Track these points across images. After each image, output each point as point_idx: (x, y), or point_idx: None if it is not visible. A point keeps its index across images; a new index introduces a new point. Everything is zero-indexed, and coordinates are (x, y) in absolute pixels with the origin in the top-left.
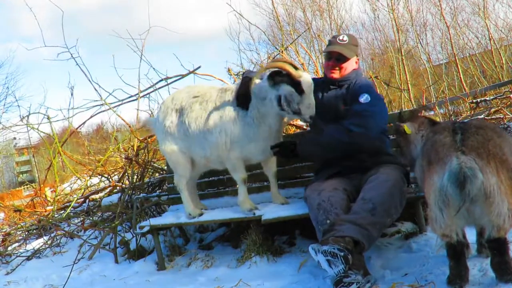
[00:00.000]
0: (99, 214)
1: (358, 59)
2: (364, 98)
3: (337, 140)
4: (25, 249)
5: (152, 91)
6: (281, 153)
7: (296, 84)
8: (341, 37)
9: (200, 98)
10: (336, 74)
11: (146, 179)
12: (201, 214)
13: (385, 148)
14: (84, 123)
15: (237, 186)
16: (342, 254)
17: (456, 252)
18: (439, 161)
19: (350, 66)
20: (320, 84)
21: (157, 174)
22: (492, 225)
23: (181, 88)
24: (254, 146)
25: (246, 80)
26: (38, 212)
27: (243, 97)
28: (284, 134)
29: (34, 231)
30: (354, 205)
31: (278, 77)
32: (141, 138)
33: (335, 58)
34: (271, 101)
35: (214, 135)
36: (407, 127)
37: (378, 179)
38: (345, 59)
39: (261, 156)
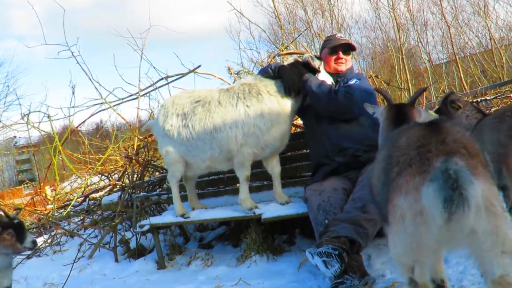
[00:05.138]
0: (99, 213)
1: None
2: (354, 81)
3: (329, 91)
4: None
5: (152, 90)
6: (291, 72)
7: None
8: (338, 35)
9: (201, 101)
10: (343, 67)
11: (146, 178)
12: (184, 215)
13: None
14: (84, 121)
15: (238, 185)
16: (336, 253)
17: None
18: None
19: (350, 60)
20: None
21: (157, 173)
22: None
23: (180, 93)
24: (275, 130)
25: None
26: (38, 211)
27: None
28: None
29: (34, 229)
30: (346, 205)
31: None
32: (141, 137)
33: (341, 51)
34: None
35: (224, 131)
36: None
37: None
38: (349, 51)
39: (278, 142)
